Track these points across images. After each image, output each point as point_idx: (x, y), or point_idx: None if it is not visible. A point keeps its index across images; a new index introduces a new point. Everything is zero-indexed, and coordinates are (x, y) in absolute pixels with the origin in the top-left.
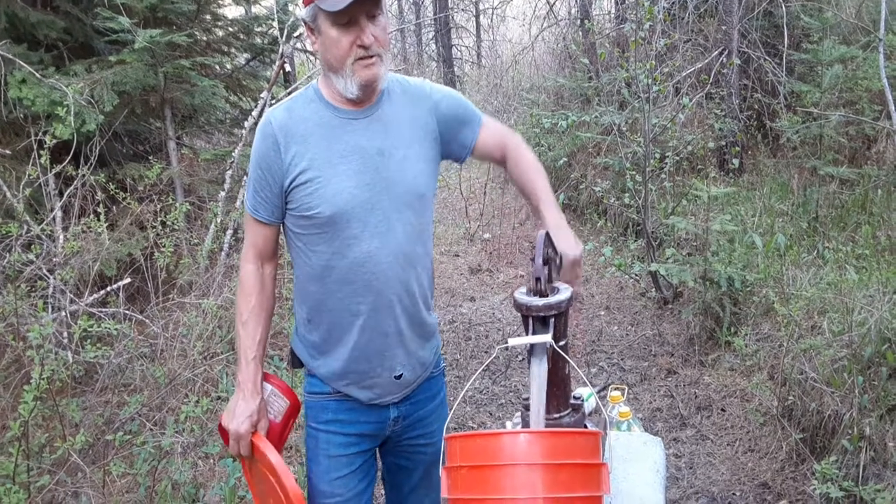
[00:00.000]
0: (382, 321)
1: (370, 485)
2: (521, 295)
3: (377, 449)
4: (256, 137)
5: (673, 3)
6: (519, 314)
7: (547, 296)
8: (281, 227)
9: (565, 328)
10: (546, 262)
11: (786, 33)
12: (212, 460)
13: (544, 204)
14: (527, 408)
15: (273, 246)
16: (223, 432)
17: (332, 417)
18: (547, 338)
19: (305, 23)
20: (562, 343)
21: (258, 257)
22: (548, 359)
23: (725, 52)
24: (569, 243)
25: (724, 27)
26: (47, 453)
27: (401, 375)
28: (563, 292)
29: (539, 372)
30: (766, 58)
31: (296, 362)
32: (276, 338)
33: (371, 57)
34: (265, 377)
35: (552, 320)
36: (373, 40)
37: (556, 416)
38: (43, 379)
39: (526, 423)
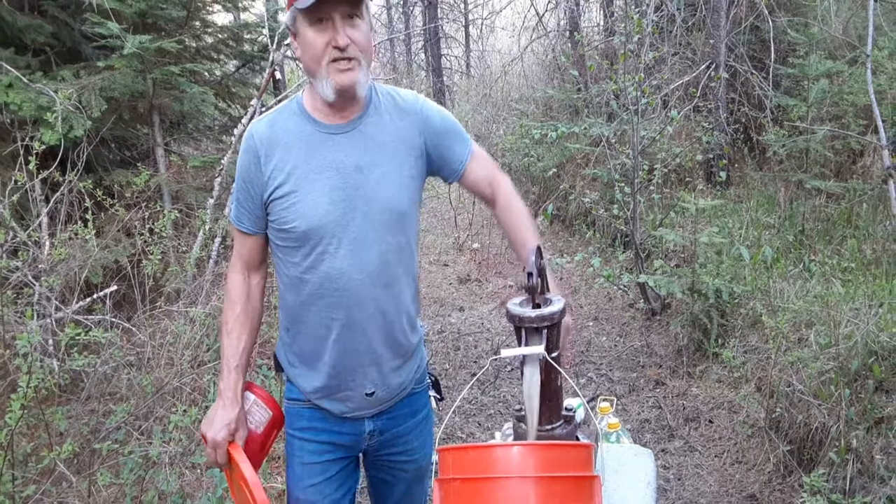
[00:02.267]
0: (354, 338)
1: (348, 493)
2: (514, 306)
3: (362, 460)
4: (241, 150)
5: (661, 16)
6: (510, 324)
7: (540, 306)
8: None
9: (558, 339)
10: (539, 273)
11: (772, 48)
12: (199, 470)
13: None
14: (518, 419)
15: (259, 256)
16: (205, 438)
17: (306, 425)
18: (540, 349)
19: (289, 28)
20: (554, 354)
21: (245, 267)
22: (540, 370)
23: (713, 66)
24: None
25: (711, 41)
26: (33, 463)
27: (373, 393)
28: (557, 303)
29: (532, 383)
30: (753, 72)
31: (278, 366)
32: (265, 346)
33: (348, 60)
34: (249, 387)
35: (545, 331)
36: (348, 42)
37: (549, 427)
38: (30, 387)
39: (518, 435)
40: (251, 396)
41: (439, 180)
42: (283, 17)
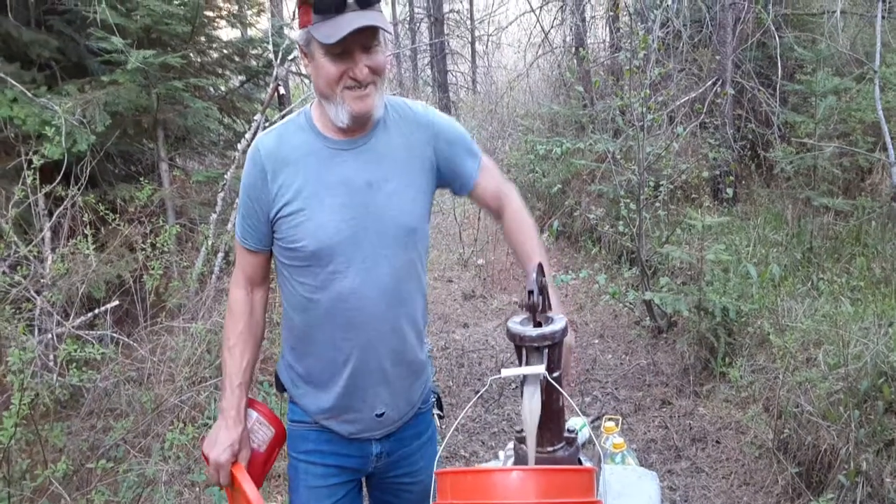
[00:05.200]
0: (366, 359)
1: None
2: (515, 324)
3: (364, 481)
4: (246, 165)
5: (667, 32)
6: (512, 343)
7: (541, 325)
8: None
9: (560, 359)
10: (540, 291)
11: (779, 64)
12: (197, 488)
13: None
14: (520, 440)
15: (263, 272)
16: (206, 458)
17: (312, 448)
18: (540, 369)
19: (300, 47)
20: (556, 374)
21: (248, 283)
22: (541, 390)
23: (719, 82)
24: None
25: (718, 57)
26: (27, 481)
27: (382, 414)
28: (558, 322)
29: (532, 404)
30: (760, 88)
31: (280, 386)
32: (266, 363)
33: (363, 87)
34: (251, 404)
35: (546, 351)
36: (366, 73)
37: (550, 449)
38: (24, 405)
39: (519, 457)
40: (253, 414)
41: (444, 196)
42: (294, 34)
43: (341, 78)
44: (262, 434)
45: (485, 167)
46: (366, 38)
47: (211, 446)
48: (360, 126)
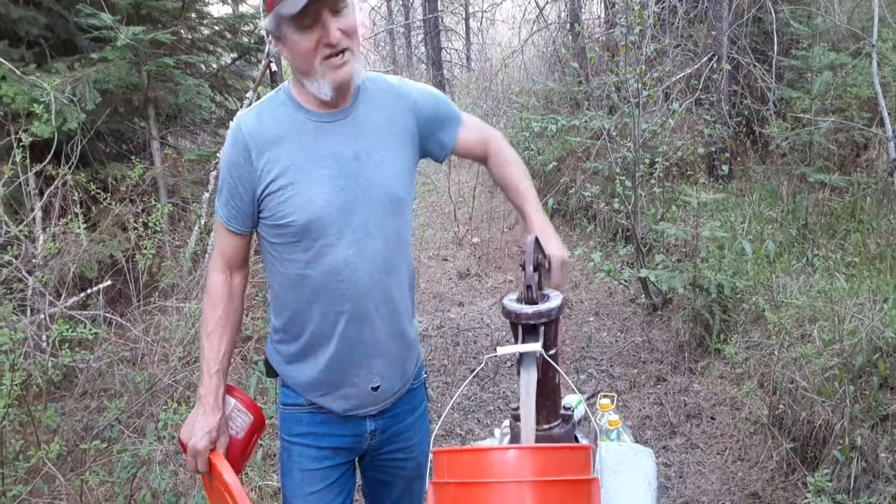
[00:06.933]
0: (361, 330)
1: (347, 498)
2: (511, 302)
3: (357, 461)
4: (226, 144)
5: (663, 8)
6: (507, 321)
7: (537, 303)
8: (253, 236)
9: (556, 336)
10: (536, 267)
11: (775, 39)
12: None
13: (529, 206)
14: (516, 417)
15: (243, 255)
16: (183, 445)
17: (305, 430)
18: (537, 347)
19: (272, 33)
20: (552, 352)
21: (227, 266)
22: (537, 368)
23: (715, 58)
24: (556, 246)
25: (713, 33)
26: (20, 461)
27: (378, 387)
28: (554, 300)
29: (528, 381)
30: (756, 64)
31: (270, 371)
32: (261, 342)
33: (341, 54)
34: (229, 391)
35: (542, 328)
36: (340, 36)
37: (546, 426)
38: (15, 385)
39: (515, 434)
40: (232, 401)
41: (438, 174)
42: (263, 22)
43: (316, 49)
44: (241, 421)
45: (465, 122)
46: (330, 1)
47: (188, 433)
48: (343, 95)
